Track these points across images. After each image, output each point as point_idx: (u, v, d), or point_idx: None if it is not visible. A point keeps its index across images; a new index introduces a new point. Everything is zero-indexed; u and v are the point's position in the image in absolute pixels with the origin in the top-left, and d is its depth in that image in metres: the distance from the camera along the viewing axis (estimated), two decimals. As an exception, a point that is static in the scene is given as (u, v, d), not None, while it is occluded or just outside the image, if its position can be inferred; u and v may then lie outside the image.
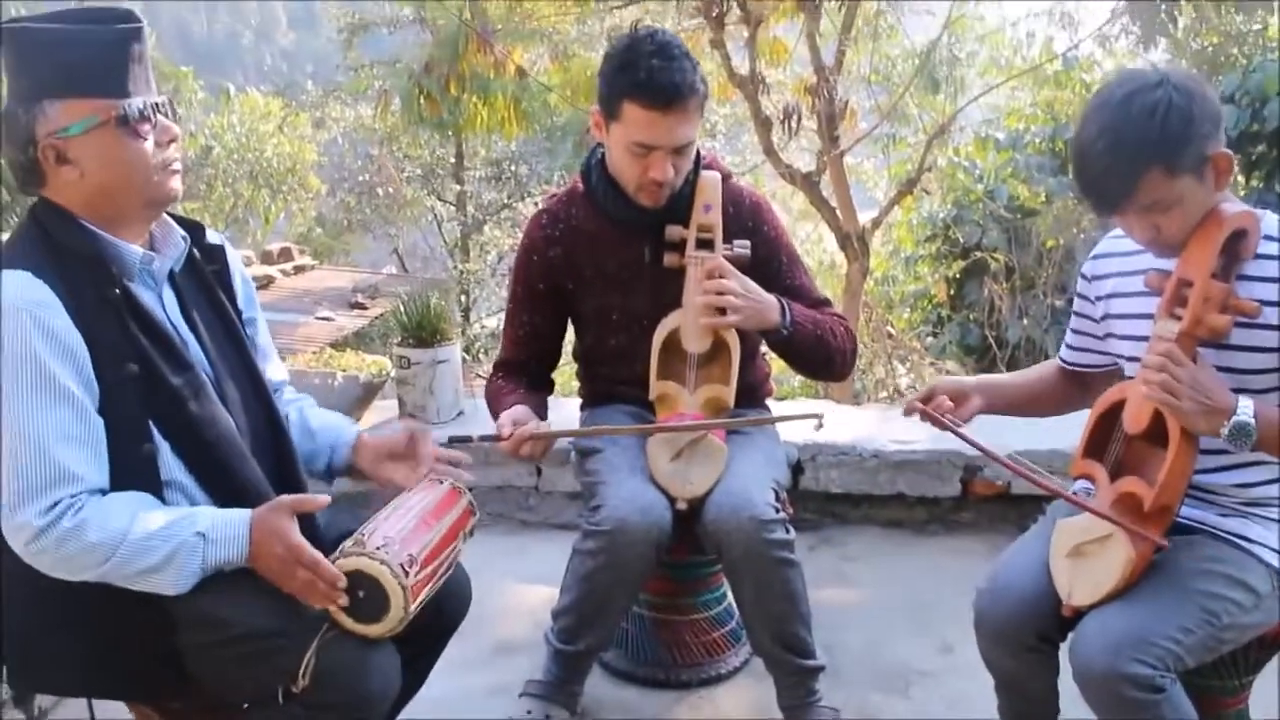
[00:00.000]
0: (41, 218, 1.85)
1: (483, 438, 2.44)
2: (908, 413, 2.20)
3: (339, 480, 2.26)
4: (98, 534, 1.70)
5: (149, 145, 1.85)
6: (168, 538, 1.74)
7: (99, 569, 1.72)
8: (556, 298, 2.64)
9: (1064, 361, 2.34)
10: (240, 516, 1.80)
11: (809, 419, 2.39)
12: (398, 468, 2.14)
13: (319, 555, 1.77)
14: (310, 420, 2.23)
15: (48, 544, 1.70)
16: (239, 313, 2.10)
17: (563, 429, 2.55)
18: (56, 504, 1.70)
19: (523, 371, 2.70)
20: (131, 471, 1.80)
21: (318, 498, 1.86)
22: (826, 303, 2.67)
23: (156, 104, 1.86)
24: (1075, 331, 2.28)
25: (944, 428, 2.14)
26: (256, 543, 1.78)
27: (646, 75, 2.31)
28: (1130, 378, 2.01)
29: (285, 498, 1.84)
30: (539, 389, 2.71)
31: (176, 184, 1.92)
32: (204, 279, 2.03)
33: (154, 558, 1.73)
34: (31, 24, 1.81)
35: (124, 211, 1.87)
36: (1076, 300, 2.26)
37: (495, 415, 2.52)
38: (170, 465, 1.85)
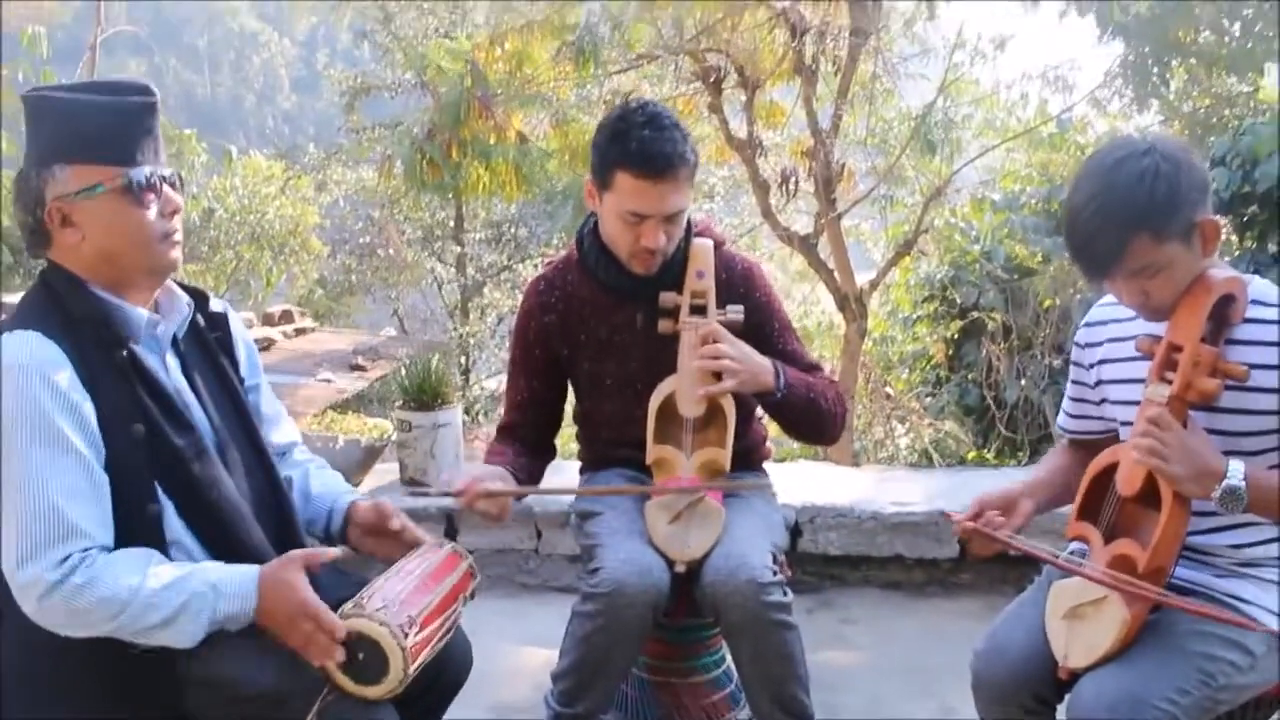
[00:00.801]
0: (50, 281, 1.89)
1: (440, 492, 2.46)
2: (957, 534, 2.17)
3: None
4: (110, 589, 1.71)
5: (151, 214, 1.89)
6: (180, 590, 1.75)
7: (111, 624, 1.73)
8: (554, 363, 2.67)
9: (1065, 431, 2.35)
10: (249, 570, 1.82)
11: (760, 487, 2.43)
12: (379, 542, 2.16)
13: (323, 608, 1.78)
14: (310, 484, 2.24)
15: (59, 599, 1.71)
16: (241, 379, 2.13)
17: (519, 488, 2.53)
18: (67, 558, 1.71)
19: (523, 436, 2.72)
20: (137, 531, 1.81)
21: (326, 551, 1.89)
22: (818, 367, 2.70)
23: (163, 175, 1.91)
24: (1073, 400, 2.31)
25: (1003, 545, 2.09)
26: (265, 596, 1.80)
27: (637, 145, 2.36)
28: (1125, 440, 2.03)
29: (296, 552, 1.87)
30: (538, 454, 2.73)
31: (176, 254, 1.95)
32: (207, 345, 2.06)
33: (166, 610, 1.74)
34: (51, 92, 1.87)
35: (127, 276, 1.90)
36: (1072, 369, 2.29)
37: None
38: (173, 525, 1.87)
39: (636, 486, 2.47)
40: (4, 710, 1.86)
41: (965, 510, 2.15)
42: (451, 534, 3.93)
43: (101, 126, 1.85)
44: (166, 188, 1.92)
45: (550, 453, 2.80)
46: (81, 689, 1.83)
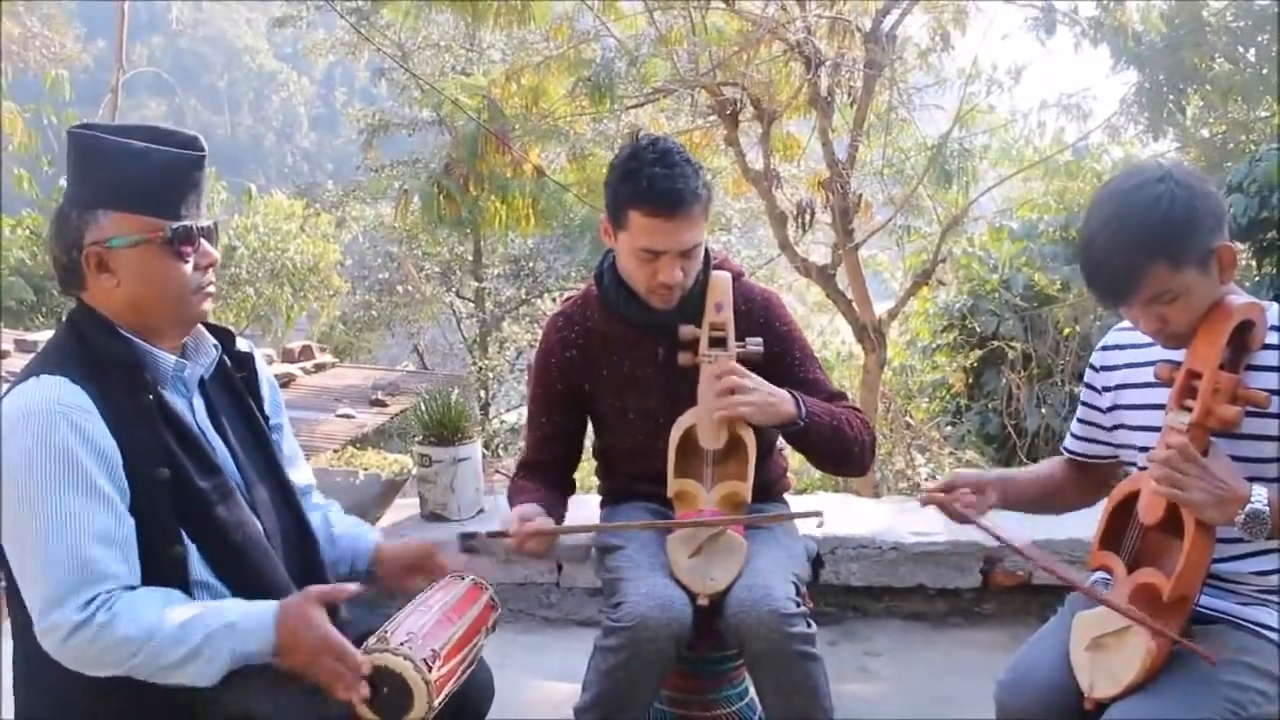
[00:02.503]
0: (79, 324, 1.90)
1: (490, 534, 2.48)
2: (925, 503, 2.21)
3: None
4: (129, 628, 1.72)
5: (188, 268, 1.91)
6: (198, 629, 1.75)
7: (129, 663, 1.74)
8: (575, 398, 2.68)
9: (1068, 451, 2.35)
10: (266, 607, 1.82)
11: (810, 516, 2.41)
12: (418, 580, 2.18)
13: (345, 643, 1.79)
14: (334, 528, 2.26)
15: (83, 640, 1.71)
16: (266, 418, 2.15)
17: (565, 525, 2.56)
18: (92, 600, 1.72)
19: (545, 472, 2.73)
20: (161, 573, 1.82)
21: (346, 586, 1.90)
22: (842, 396, 2.69)
23: (203, 228, 1.92)
24: (1081, 421, 2.30)
25: (962, 520, 2.16)
26: (284, 631, 1.80)
27: (649, 184, 2.37)
28: (1143, 468, 2.02)
29: (313, 588, 1.87)
30: (562, 488, 2.74)
31: (208, 306, 1.98)
32: (233, 385, 2.08)
33: (184, 649, 1.74)
34: (102, 133, 1.87)
35: (157, 324, 1.92)
36: (1084, 391, 2.29)
37: (512, 510, 2.55)
38: (198, 567, 1.88)
39: (689, 521, 2.46)
40: None
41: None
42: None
43: (150, 179, 1.87)
44: (204, 241, 1.94)
45: (572, 487, 2.81)
46: (89, 716, 1.83)
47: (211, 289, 1.98)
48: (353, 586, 1.91)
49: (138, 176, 1.86)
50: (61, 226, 1.87)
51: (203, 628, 1.76)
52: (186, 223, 1.89)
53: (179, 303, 1.92)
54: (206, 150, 1.95)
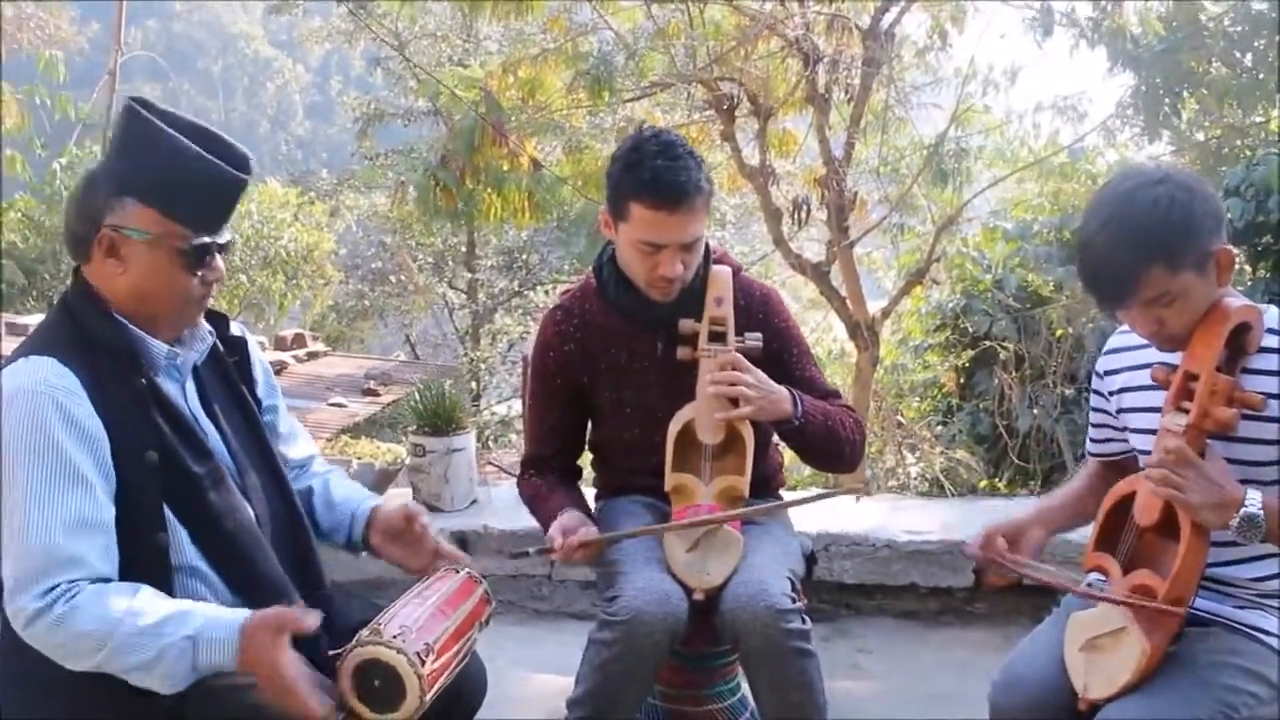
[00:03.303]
0: (73, 305, 1.89)
1: (538, 551, 2.50)
2: (973, 562, 2.22)
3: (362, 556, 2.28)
4: (89, 623, 1.70)
5: (195, 281, 1.91)
6: (156, 636, 1.72)
7: (93, 658, 1.71)
8: (574, 391, 2.67)
9: (1093, 455, 2.36)
10: (232, 621, 1.77)
11: (850, 493, 2.40)
12: (397, 548, 2.17)
13: (302, 681, 1.74)
14: (333, 492, 2.25)
15: (41, 629, 1.70)
16: (259, 402, 2.14)
17: (611, 533, 2.53)
18: (53, 589, 1.70)
19: (550, 466, 2.73)
20: (143, 559, 1.81)
21: (307, 619, 1.80)
22: (836, 394, 2.70)
23: (220, 246, 1.92)
24: (1096, 425, 2.31)
25: (1020, 574, 2.15)
26: (246, 650, 1.75)
27: (651, 176, 2.37)
28: (1143, 469, 2.03)
29: (271, 614, 1.79)
30: (571, 480, 2.74)
31: (200, 315, 1.98)
32: (226, 370, 2.07)
33: (144, 654, 1.71)
34: (161, 123, 1.84)
35: (152, 317, 1.91)
36: (1093, 396, 2.29)
37: (540, 516, 2.59)
38: (188, 553, 1.87)
39: (714, 516, 2.44)
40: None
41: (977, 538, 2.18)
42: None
43: (190, 187, 1.85)
44: (218, 258, 1.93)
45: (579, 474, 2.81)
46: (66, 704, 1.81)
47: (209, 304, 1.98)
48: (314, 619, 1.81)
49: (180, 181, 1.84)
50: (87, 195, 1.86)
51: (161, 638, 1.72)
52: (207, 240, 1.89)
53: (177, 309, 1.93)
54: (251, 175, 1.93)
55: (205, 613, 1.78)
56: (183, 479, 1.86)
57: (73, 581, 1.71)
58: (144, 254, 1.86)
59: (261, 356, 2.21)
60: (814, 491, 2.76)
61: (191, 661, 1.73)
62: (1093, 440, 2.35)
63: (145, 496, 1.82)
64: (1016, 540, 2.18)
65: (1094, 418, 2.31)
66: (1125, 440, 2.24)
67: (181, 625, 1.74)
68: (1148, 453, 2.01)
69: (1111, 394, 2.19)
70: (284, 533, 2.04)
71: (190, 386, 1.99)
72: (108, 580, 1.76)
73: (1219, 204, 1.94)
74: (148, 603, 1.75)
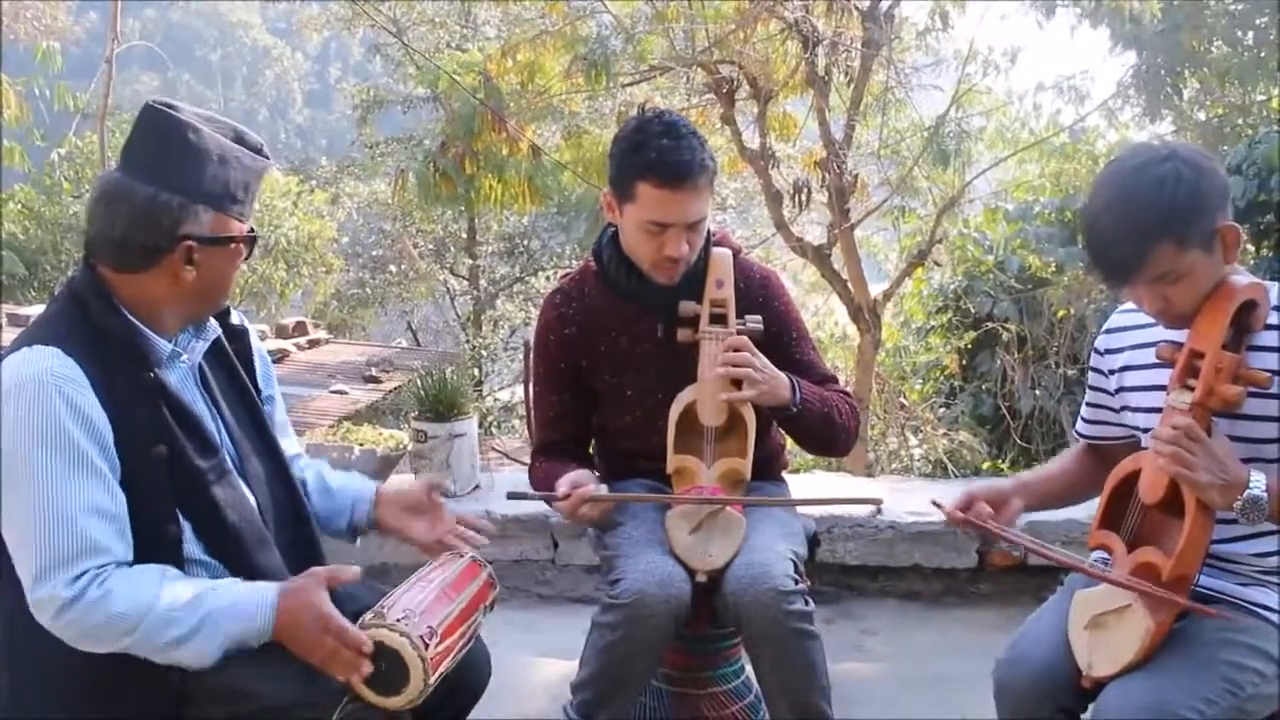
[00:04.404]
0: (82, 294, 1.88)
1: (540, 495, 2.49)
2: (949, 524, 2.20)
3: (360, 546, 2.29)
4: (124, 604, 1.71)
5: (237, 273, 1.99)
6: (194, 609, 1.75)
7: (125, 640, 1.73)
8: (577, 375, 2.67)
9: (1081, 435, 2.35)
10: (267, 588, 1.82)
11: (869, 504, 2.39)
12: (417, 522, 2.20)
13: (346, 623, 1.79)
14: (329, 480, 2.26)
15: (75, 615, 1.71)
16: (258, 391, 2.14)
17: (622, 494, 2.55)
18: (83, 574, 1.71)
19: (564, 450, 2.72)
20: (156, 552, 1.82)
21: (350, 569, 1.89)
22: (833, 379, 2.70)
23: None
24: (1091, 405, 2.30)
25: (991, 535, 2.15)
26: (284, 612, 1.80)
27: (658, 155, 2.36)
28: (1146, 448, 2.02)
29: (318, 569, 1.87)
30: (581, 465, 2.73)
31: None
32: (228, 360, 2.08)
33: (180, 629, 1.73)
34: (202, 126, 1.87)
35: (176, 315, 1.94)
36: (1091, 374, 2.28)
37: (549, 484, 2.54)
38: (192, 546, 1.88)
39: (726, 498, 2.45)
40: None
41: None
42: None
43: (241, 181, 1.91)
44: None
45: (589, 463, 2.78)
46: (75, 697, 1.82)
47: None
48: (353, 570, 1.90)
49: (237, 180, 1.90)
50: (156, 210, 1.83)
51: (201, 607, 1.75)
52: (255, 231, 1.98)
53: (220, 302, 2.01)
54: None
55: (236, 585, 1.83)
56: (188, 473, 1.86)
57: (101, 566, 1.73)
58: (217, 257, 1.91)
59: (261, 346, 2.22)
60: (830, 494, 2.75)
61: (227, 631, 1.77)
62: (1085, 420, 2.33)
63: (155, 490, 1.83)
64: (997, 507, 2.18)
65: (1090, 397, 2.30)
66: (1120, 425, 2.23)
67: (217, 598, 1.78)
68: (1150, 430, 2.01)
69: (1112, 372, 2.19)
70: (286, 519, 2.05)
71: (194, 378, 2.00)
72: (130, 564, 1.77)
73: (1225, 180, 1.93)
74: (177, 580, 1.79)
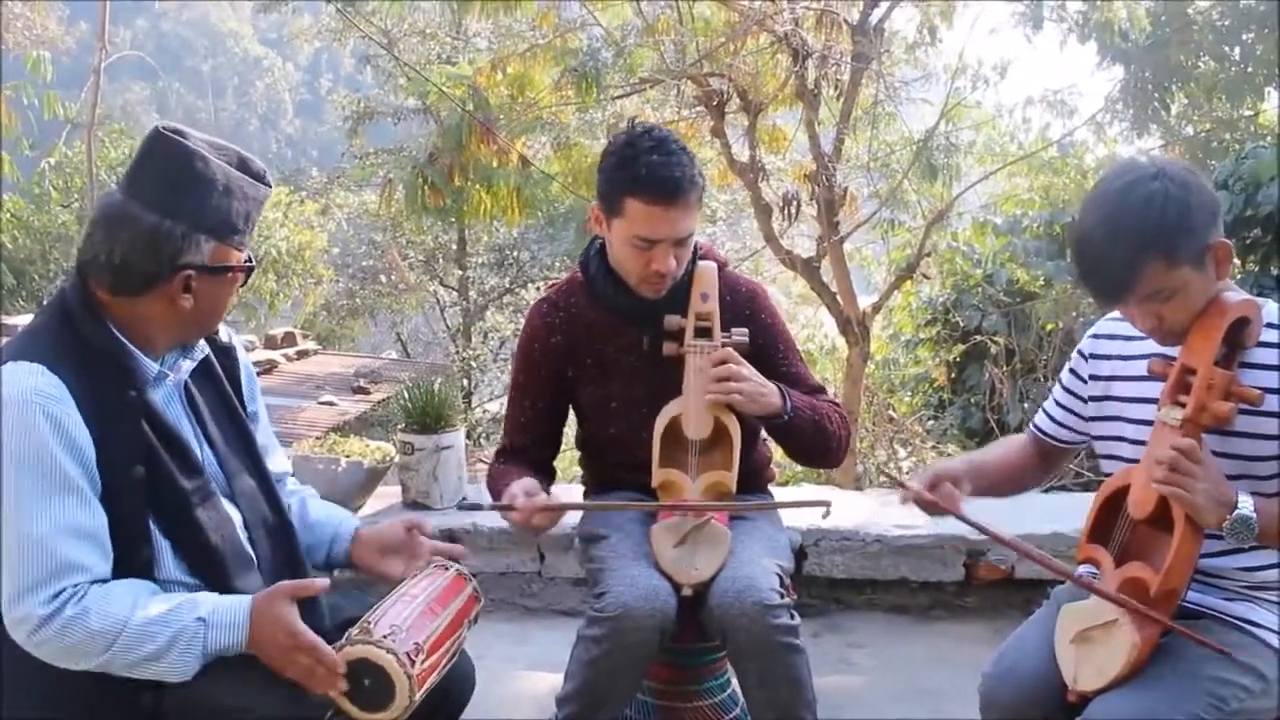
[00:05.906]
0: (73, 310, 1.86)
1: (494, 506, 2.46)
2: (905, 500, 2.19)
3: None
4: (100, 621, 1.71)
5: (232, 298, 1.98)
6: (169, 623, 1.74)
7: (101, 657, 1.72)
8: (558, 385, 2.66)
9: (1037, 429, 2.34)
10: (240, 602, 1.81)
11: (817, 506, 2.39)
12: (395, 562, 2.16)
13: (318, 641, 1.77)
14: (310, 513, 2.25)
15: (51, 633, 1.70)
16: (244, 407, 2.13)
17: (573, 501, 2.54)
18: (60, 593, 1.71)
19: (525, 458, 2.70)
20: (129, 572, 1.81)
21: (316, 581, 1.88)
22: (821, 390, 2.69)
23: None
24: (1059, 405, 2.29)
25: (953, 515, 2.14)
26: (257, 627, 1.79)
27: (647, 171, 2.36)
28: (1133, 461, 2.02)
29: (284, 583, 1.85)
30: (542, 475, 2.71)
31: None
32: (216, 378, 2.07)
33: (155, 644, 1.73)
34: (208, 154, 1.86)
35: (167, 338, 1.93)
36: (1066, 374, 2.27)
37: (498, 494, 2.52)
38: (172, 567, 1.87)
39: (710, 504, 2.45)
40: None
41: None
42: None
43: (243, 212, 1.91)
44: None
45: (552, 475, 2.78)
46: (53, 704, 1.81)
47: None
48: (322, 582, 1.88)
49: (240, 212, 1.89)
50: (158, 238, 1.82)
51: (174, 622, 1.75)
52: (252, 260, 1.98)
53: (211, 326, 2.01)
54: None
55: (211, 598, 1.82)
56: (169, 494, 1.86)
57: (76, 585, 1.72)
58: (215, 286, 1.91)
59: (248, 362, 2.21)
60: (789, 498, 2.74)
61: (203, 645, 1.76)
62: (1049, 417, 2.32)
63: (131, 510, 1.82)
64: (953, 485, 2.16)
65: (1060, 396, 2.29)
66: (1081, 433, 2.23)
67: (191, 610, 1.77)
68: (1138, 442, 2.01)
69: (1095, 379, 2.18)
70: (273, 535, 2.05)
71: (180, 397, 1.99)
72: (106, 581, 1.77)
73: (1215, 197, 1.93)
74: (152, 595, 1.78)
